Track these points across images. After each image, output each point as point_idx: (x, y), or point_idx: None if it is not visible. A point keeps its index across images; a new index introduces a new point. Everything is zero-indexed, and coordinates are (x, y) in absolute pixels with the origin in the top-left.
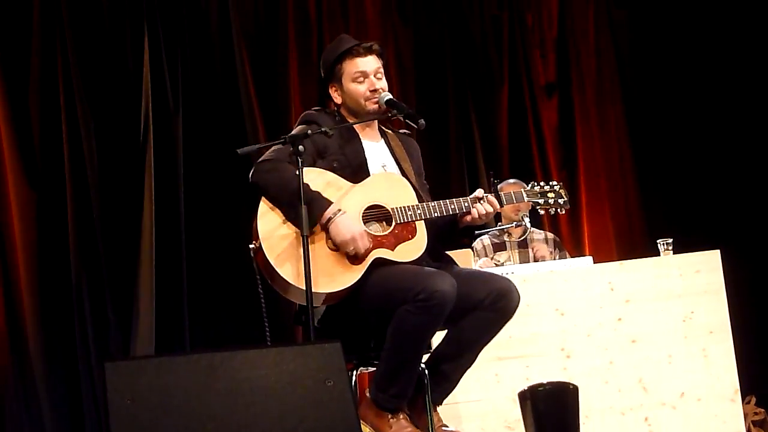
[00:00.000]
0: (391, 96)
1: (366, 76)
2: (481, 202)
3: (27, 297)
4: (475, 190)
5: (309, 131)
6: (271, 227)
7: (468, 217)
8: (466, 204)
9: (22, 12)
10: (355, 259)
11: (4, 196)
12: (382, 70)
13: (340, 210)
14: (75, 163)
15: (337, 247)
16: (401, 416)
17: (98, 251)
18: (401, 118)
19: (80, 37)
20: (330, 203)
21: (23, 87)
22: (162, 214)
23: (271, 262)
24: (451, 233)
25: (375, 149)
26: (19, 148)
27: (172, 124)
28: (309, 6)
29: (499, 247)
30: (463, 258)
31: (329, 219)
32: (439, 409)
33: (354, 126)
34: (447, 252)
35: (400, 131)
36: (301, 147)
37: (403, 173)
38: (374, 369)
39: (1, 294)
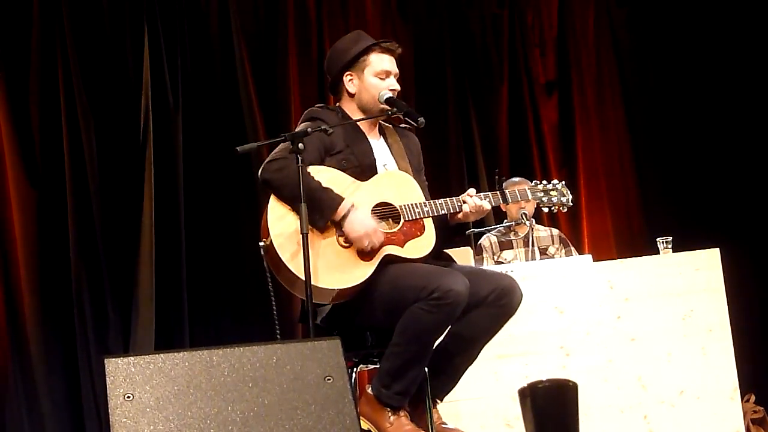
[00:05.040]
0: (390, 94)
1: (388, 75)
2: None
3: (27, 294)
4: (476, 189)
5: (309, 129)
6: (281, 222)
7: (459, 215)
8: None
9: (21, 10)
10: (366, 255)
11: (4, 194)
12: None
13: (353, 206)
14: (75, 162)
15: (350, 243)
16: (402, 414)
17: (98, 249)
18: (400, 116)
19: (80, 35)
20: (342, 199)
21: (23, 85)
22: (162, 212)
23: (281, 255)
24: (443, 231)
25: (377, 147)
26: (20, 146)
27: (171, 122)
28: (309, 4)
29: (505, 245)
30: (462, 256)
31: (344, 216)
32: (438, 406)
33: (359, 124)
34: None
35: (400, 126)
36: (300, 145)
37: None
38: (374, 367)
39: (2, 291)
